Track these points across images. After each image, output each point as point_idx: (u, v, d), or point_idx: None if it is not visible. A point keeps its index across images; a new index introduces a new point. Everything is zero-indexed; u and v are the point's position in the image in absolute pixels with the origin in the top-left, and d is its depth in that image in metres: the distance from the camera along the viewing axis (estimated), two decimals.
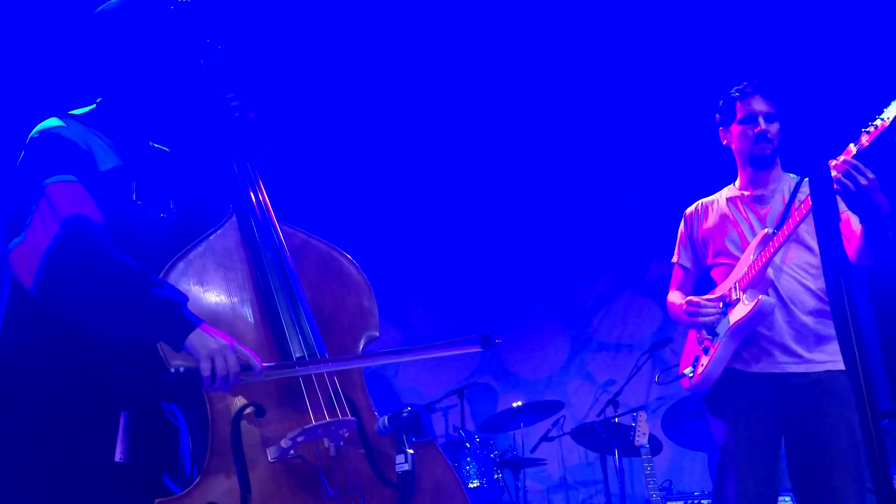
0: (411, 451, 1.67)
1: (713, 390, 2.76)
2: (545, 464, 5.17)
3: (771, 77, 2.86)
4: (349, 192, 5.99)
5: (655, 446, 4.30)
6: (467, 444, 4.50)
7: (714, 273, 2.90)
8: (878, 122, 2.39)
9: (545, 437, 4.88)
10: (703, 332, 2.77)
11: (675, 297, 3.00)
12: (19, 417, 1.74)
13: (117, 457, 1.69)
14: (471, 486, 4.38)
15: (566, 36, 5.15)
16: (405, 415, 1.72)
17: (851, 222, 2.66)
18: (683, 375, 2.84)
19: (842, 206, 2.61)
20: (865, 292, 5.22)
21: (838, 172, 2.41)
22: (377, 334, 2.02)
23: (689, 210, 3.03)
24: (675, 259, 3.04)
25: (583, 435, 4.70)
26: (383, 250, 5.99)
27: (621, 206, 5.98)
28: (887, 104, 2.39)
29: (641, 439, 4.11)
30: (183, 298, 1.74)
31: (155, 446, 1.84)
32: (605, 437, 4.46)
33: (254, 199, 1.99)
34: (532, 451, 4.96)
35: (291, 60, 5.04)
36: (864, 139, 2.42)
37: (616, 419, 4.50)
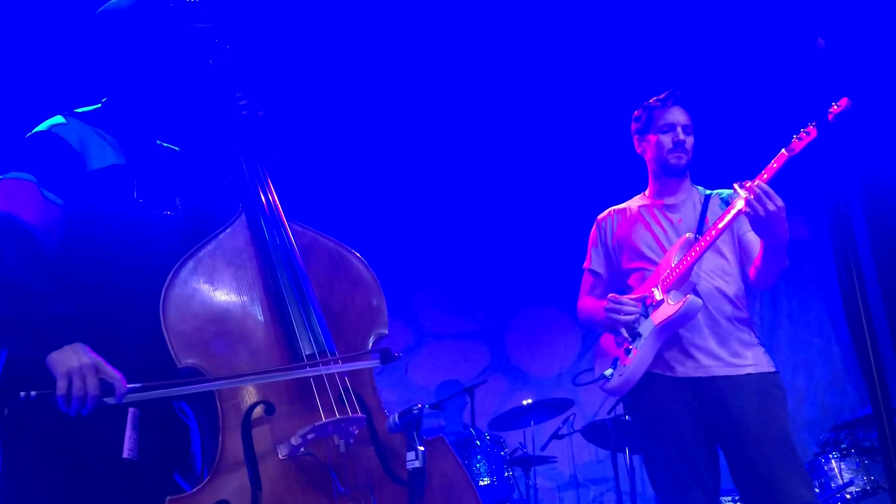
0: (422, 448, 1.67)
1: (633, 393, 2.76)
2: (556, 461, 5.16)
3: (690, 90, 2.92)
4: (358, 189, 6.00)
5: None
6: (477, 442, 4.50)
7: (630, 279, 2.89)
8: (809, 128, 2.49)
9: (555, 435, 4.87)
10: (623, 332, 2.74)
11: (588, 301, 3.00)
12: (28, 412, 1.74)
13: (125, 453, 1.70)
14: (481, 483, 4.38)
15: (571, 27, 5.15)
16: (415, 412, 1.72)
17: (754, 244, 2.73)
18: (602, 377, 2.81)
19: (746, 226, 2.71)
20: (877, 287, 5.20)
21: (750, 195, 2.49)
22: (386, 332, 2.02)
23: (601, 216, 3.06)
24: (586, 265, 3.05)
25: (593, 432, 4.69)
26: (392, 248, 5.99)
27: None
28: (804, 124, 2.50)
29: None
30: (59, 313, 1.69)
31: (166, 444, 1.85)
32: (615, 434, 4.45)
33: (263, 198, 1.99)
34: (542, 448, 4.95)
35: (299, 59, 5.05)
36: (795, 145, 2.53)
37: (627, 417, 4.48)
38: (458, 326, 6.18)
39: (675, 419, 2.66)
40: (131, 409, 1.76)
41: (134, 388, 1.67)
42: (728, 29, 4.81)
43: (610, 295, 2.81)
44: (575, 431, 4.85)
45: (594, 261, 3.02)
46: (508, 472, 4.53)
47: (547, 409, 4.85)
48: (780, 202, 2.47)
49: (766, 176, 2.55)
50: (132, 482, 1.74)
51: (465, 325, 6.19)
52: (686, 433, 2.65)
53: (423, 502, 1.66)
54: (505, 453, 4.59)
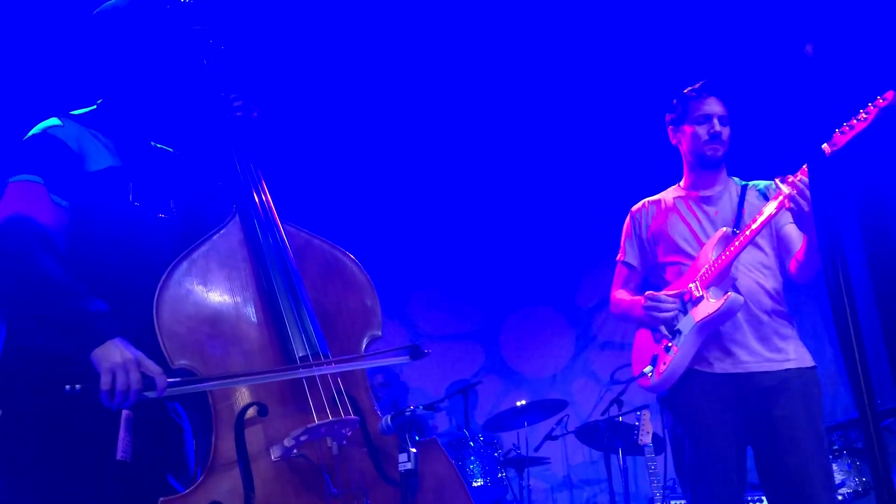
0: (414, 450, 1.68)
1: (672, 391, 2.74)
2: (549, 462, 5.18)
3: (726, 80, 2.88)
4: (353, 190, 6.00)
5: (659, 445, 4.30)
6: (471, 443, 4.51)
7: (667, 273, 2.87)
8: (853, 121, 2.41)
9: (549, 436, 4.88)
10: (662, 329, 2.73)
11: (621, 294, 2.98)
12: (21, 414, 1.75)
13: (119, 455, 1.70)
14: (475, 484, 4.39)
15: (572, 31, 5.15)
16: (408, 414, 1.73)
17: (794, 237, 2.71)
18: (642, 375, 2.79)
19: (787, 217, 2.68)
20: (871, 290, 5.21)
21: (793, 190, 2.46)
22: (379, 334, 2.02)
23: (635, 207, 3.03)
24: (620, 257, 3.02)
25: (587, 434, 4.70)
26: (387, 248, 6.00)
27: (626, 204, 5.96)
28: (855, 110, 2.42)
29: (645, 438, 4.11)
30: (98, 309, 1.72)
31: (159, 445, 1.85)
32: (609, 435, 4.46)
33: (256, 199, 2.00)
34: (536, 449, 4.96)
35: (293, 58, 5.05)
36: (837, 139, 2.44)
37: (620, 418, 4.50)
38: (452, 327, 6.19)
39: (713, 417, 2.64)
40: (124, 411, 1.76)
41: (174, 382, 1.71)
42: (763, 14, 4.73)
43: (648, 293, 2.79)
44: (569, 433, 4.86)
45: (628, 253, 2.99)
46: (502, 473, 4.54)
47: (541, 410, 4.87)
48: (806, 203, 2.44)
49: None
50: (125, 483, 1.74)
51: (460, 325, 6.20)
52: (721, 431, 2.63)
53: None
54: (499, 454, 4.60)
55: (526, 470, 4.84)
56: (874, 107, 2.35)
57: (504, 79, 5.50)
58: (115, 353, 1.66)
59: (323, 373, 1.82)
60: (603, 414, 4.64)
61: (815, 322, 5.76)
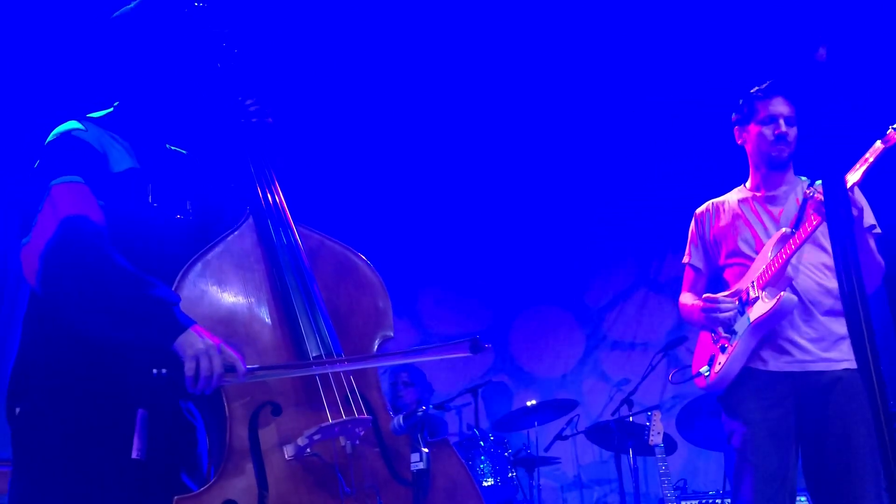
0: (426, 450, 1.69)
1: (729, 390, 2.75)
2: (559, 462, 5.18)
3: (793, 80, 2.86)
4: (363, 189, 6.02)
5: (670, 445, 4.30)
6: (481, 443, 4.51)
7: (727, 273, 2.89)
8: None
9: (559, 436, 4.89)
10: (720, 330, 2.75)
11: (687, 297, 2.99)
12: (39, 414, 1.77)
13: (134, 454, 1.72)
14: (485, 484, 4.40)
15: (581, 31, 5.14)
16: (420, 414, 1.74)
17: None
18: (699, 374, 2.82)
19: None
20: (884, 292, 5.19)
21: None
22: (391, 334, 2.04)
23: (699, 210, 3.02)
24: (686, 259, 3.03)
25: (597, 434, 4.70)
26: (397, 247, 6.01)
27: (636, 203, 5.97)
28: None
29: (656, 438, 4.10)
30: (174, 299, 1.75)
31: (173, 444, 1.86)
32: (619, 435, 4.46)
33: (270, 201, 2.01)
34: (546, 449, 4.97)
35: (304, 60, 5.07)
36: (892, 136, 2.41)
37: (630, 418, 4.49)
38: (462, 326, 6.20)
39: (765, 414, 2.64)
40: (140, 411, 1.78)
41: (252, 368, 1.75)
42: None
43: (705, 295, 2.80)
44: (579, 433, 4.86)
45: (693, 256, 3.00)
46: (512, 472, 4.54)
47: (551, 410, 4.87)
48: (855, 210, 2.46)
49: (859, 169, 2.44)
50: (140, 482, 1.76)
51: (470, 325, 6.21)
52: (773, 429, 2.63)
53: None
54: (509, 454, 4.60)
55: (536, 470, 4.84)
56: None
57: (515, 79, 5.50)
58: (197, 341, 1.69)
59: (429, 359, 1.84)
60: (613, 414, 4.64)
61: None
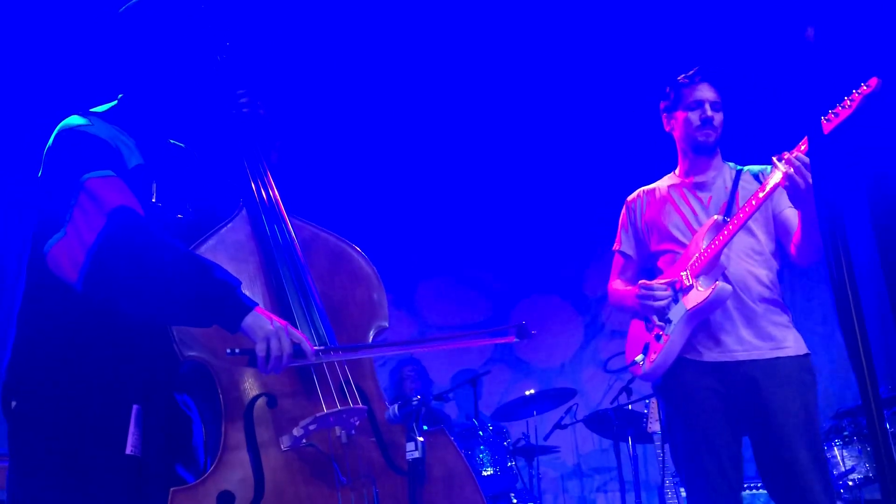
0: (421, 439, 1.69)
1: (665, 379, 2.74)
2: (559, 451, 5.19)
3: (717, 66, 2.87)
4: (361, 179, 6.02)
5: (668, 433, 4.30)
6: (480, 433, 4.52)
7: (660, 261, 2.87)
8: (838, 109, 2.37)
9: (558, 425, 4.89)
10: (654, 318, 2.73)
11: (618, 284, 2.98)
12: (34, 409, 1.77)
13: (128, 450, 1.72)
14: (484, 473, 4.41)
15: (578, 15, 5.13)
16: (415, 403, 1.75)
17: (793, 221, 2.69)
18: (634, 363, 2.79)
19: (785, 201, 2.67)
20: (881, 276, 5.19)
21: (789, 168, 2.43)
22: (386, 324, 2.04)
23: (630, 197, 3.03)
24: (616, 247, 3.02)
25: (596, 422, 4.71)
26: (395, 238, 6.01)
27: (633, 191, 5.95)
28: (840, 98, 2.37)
29: (654, 426, 4.11)
30: (237, 282, 1.76)
31: (169, 437, 1.87)
32: (618, 424, 4.47)
33: (264, 194, 2.01)
34: (545, 438, 4.98)
35: (298, 49, 5.05)
36: (824, 126, 2.41)
37: (629, 406, 4.50)
38: (461, 317, 6.21)
39: (703, 405, 2.64)
40: (135, 406, 1.78)
41: (318, 349, 1.79)
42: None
43: (641, 282, 2.78)
44: (578, 421, 4.87)
45: (624, 243, 3.00)
46: (512, 462, 4.56)
47: (550, 399, 4.88)
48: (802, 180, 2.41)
49: (804, 148, 2.44)
50: (135, 475, 1.76)
51: (469, 315, 6.21)
52: (712, 419, 2.63)
53: (424, 493, 1.68)
54: (508, 443, 4.62)
55: (536, 459, 4.85)
56: (858, 94, 2.33)
57: (510, 68, 5.49)
58: (265, 322, 1.71)
59: (438, 348, 1.84)
60: (612, 402, 4.65)
61: (827, 308, 5.74)
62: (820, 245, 2.55)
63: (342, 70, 5.29)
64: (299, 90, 5.24)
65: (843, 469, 4.19)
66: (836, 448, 4.26)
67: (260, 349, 1.70)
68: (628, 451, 4.46)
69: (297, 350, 1.74)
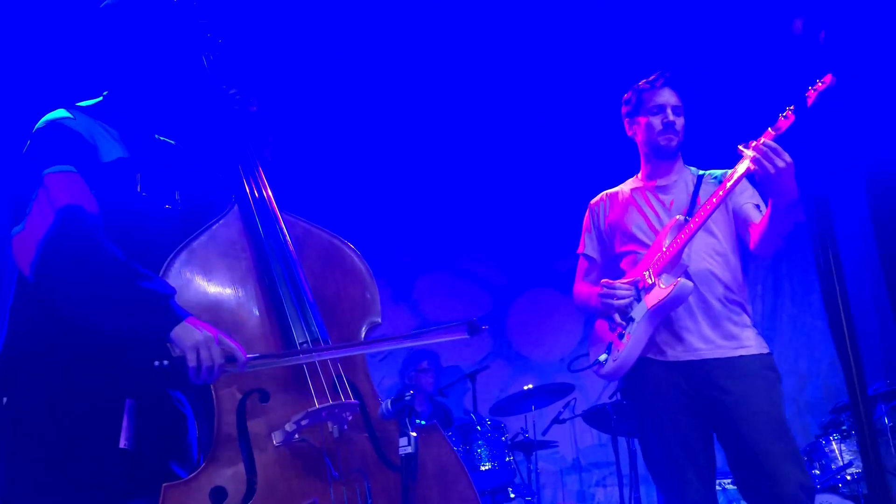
0: (414, 434, 1.70)
1: (627, 378, 2.76)
2: (557, 446, 5.20)
3: (679, 71, 2.89)
4: (357, 175, 6.01)
5: None
6: (478, 428, 4.53)
7: (623, 263, 2.89)
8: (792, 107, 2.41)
9: (557, 420, 4.90)
10: (617, 317, 2.74)
11: (582, 287, 3.01)
12: (26, 404, 1.77)
13: (122, 443, 1.73)
14: (482, 468, 4.41)
15: (560, 13, 5.13)
16: (407, 398, 1.75)
17: (752, 215, 2.72)
18: (597, 363, 2.80)
19: (744, 198, 2.72)
20: (881, 271, 5.18)
21: (757, 154, 2.45)
22: (379, 321, 2.05)
23: (594, 200, 3.06)
24: (580, 250, 3.05)
25: (594, 417, 4.71)
26: (393, 233, 6.01)
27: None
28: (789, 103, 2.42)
29: None
30: (170, 291, 1.76)
31: (162, 433, 1.87)
32: (616, 418, 4.47)
33: (256, 190, 2.02)
34: (544, 433, 4.98)
35: (291, 47, 5.05)
36: (782, 123, 2.45)
37: (625, 401, 4.50)
38: (458, 312, 6.20)
39: (669, 403, 2.66)
40: (128, 400, 1.79)
41: (252, 357, 1.77)
42: (719, 5, 4.76)
43: (603, 280, 2.81)
44: (576, 416, 4.87)
45: (588, 245, 3.03)
46: (510, 456, 4.56)
47: (548, 393, 4.88)
48: (788, 158, 2.42)
49: (771, 134, 2.46)
50: (129, 470, 1.77)
51: (466, 310, 6.21)
52: (680, 417, 2.65)
53: (417, 488, 1.68)
54: (506, 438, 4.62)
55: (534, 453, 4.86)
56: (814, 90, 2.34)
57: (504, 64, 5.49)
58: (195, 332, 1.70)
59: (387, 348, 1.82)
60: (611, 397, 4.65)
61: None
62: (783, 233, 2.60)
63: (339, 66, 5.29)
64: (295, 85, 5.23)
65: (840, 463, 4.19)
66: (834, 442, 4.26)
67: (190, 359, 1.68)
68: (626, 445, 4.46)
69: (230, 359, 1.73)
